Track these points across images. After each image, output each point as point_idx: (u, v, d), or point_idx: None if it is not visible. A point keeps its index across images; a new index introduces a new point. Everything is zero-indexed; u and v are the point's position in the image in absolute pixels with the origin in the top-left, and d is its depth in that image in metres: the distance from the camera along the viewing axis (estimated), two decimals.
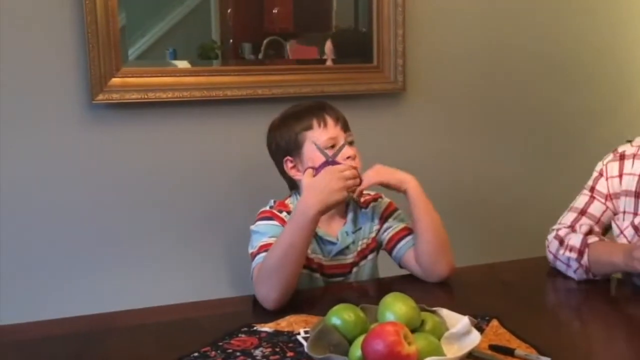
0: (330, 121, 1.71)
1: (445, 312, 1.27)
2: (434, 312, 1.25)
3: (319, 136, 1.69)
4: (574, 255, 1.65)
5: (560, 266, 1.70)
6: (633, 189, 1.69)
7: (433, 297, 1.61)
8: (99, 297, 2.07)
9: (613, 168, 1.74)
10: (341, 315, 1.19)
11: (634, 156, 1.72)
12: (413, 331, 1.15)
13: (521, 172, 2.58)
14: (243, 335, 1.35)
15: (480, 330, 1.31)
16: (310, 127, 1.70)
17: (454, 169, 2.49)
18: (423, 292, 1.63)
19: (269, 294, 1.51)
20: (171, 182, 2.17)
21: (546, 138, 2.61)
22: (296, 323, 1.39)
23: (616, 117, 2.64)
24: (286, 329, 1.37)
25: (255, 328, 1.38)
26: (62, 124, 2.04)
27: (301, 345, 1.27)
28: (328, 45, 2.26)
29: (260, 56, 2.21)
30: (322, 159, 1.66)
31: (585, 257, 1.63)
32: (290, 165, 1.73)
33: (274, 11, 2.22)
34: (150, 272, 2.17)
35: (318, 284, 1.72)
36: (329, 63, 2.28)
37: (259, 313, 1.49)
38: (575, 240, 1.66)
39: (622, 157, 1.74)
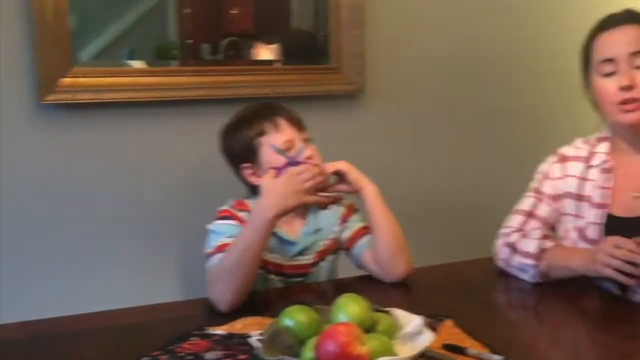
0: (283, 123, 1.69)
1: (399, 313, 1.26)
2: (387, 312, 1.25)
3: (274, 140, 1.67)
4: (530, 261, 1.64)
5: (514, 272, 1.70)
6: (574, 191, 1.70)
7: (390, 298, 1.61)
8: (49, 301, 2.02)
9: (556, 170, 1.74)
10: (294, 317, 1.18)
11: (576, 158, 1.73)
12: (367, 332, 1.14)
13: (483, 173, 2.59)
14: (195, 339, 1.32)
15: (434, 330, 1.29)
16: (263, 132, 1.68)
17: (414, 170, 2.49)
18: (380, 293, 1.63)
19: (223, 295, 1.49)
20: (125, 183, 2.14)
21: (509, 140, 2.61)
22: (250, 325, 1.37)
23: (580, 119, 2.66)
24: (240, 332, 1.35)
25: (207, 331, 1.36)
26: (9, 124, 1.99)
27: (254, 347, 1.26)
28: (276, 47, 2.25)
29: (219, 57, 2.19)
30: (282, 161, 1.65)
31: (543, 263, 1.63)
32: (248, 172, 1.71)
33: (233, 12, 2.21)
34: (103, 275, 2.12)
35: (274, 285, 1.71)
36: (277, 65, 2.26)
37: (213, 316, 1.47)
38: (531, 246, 1.65)
39: (564, 159, 1.74)
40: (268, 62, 2.26)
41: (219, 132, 1.76)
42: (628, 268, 1.46)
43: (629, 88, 1.57)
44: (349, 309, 1.18)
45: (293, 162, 1.63)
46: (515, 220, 1.75)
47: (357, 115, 2.38)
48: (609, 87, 1.60)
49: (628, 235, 1.59)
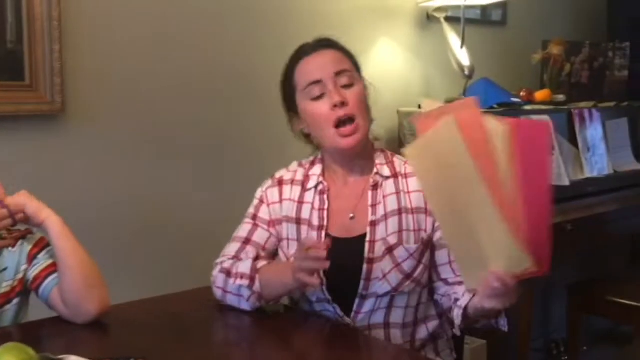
0: None
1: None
2: None
3: None
4: (245, 282, 1.58)
5: (232, 300, 1.62)
6: (293, 215, 1.67)
7: (82, 341, 1.46)
8: None
9: (273, 194, 1.70)
10: None
11: (292, 182, 1.70)
12: None
13: (194, 196, 2.44)
14: None
15: None
16: None
17: (121, 195, 2.29)
18: (71, 336, 1.48)
19: None
20: None
21: (220, 161, 2.51)
22: None
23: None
24: None
25: None
26: None
27: None
28: None
29: None
30: None
31: (257, 283, 1.57)
32: None
33: None
34: None
35: None
36: None
37: None
38: (244, 267, 1.60)
39: (281, 183, 1.71)
40: None
41: None
42: (318, 265, 1.43)
43: (342, 105, 1.57)
44: None
45: None
46: (231, 248, 1.69)
47: (56, 137, 2.14)
48: (322, 108, 1.59)
49: (347, 256, 1.59)
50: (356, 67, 1.67)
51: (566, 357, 3.11)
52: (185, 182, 2.43)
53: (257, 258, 1.63)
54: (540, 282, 3.02)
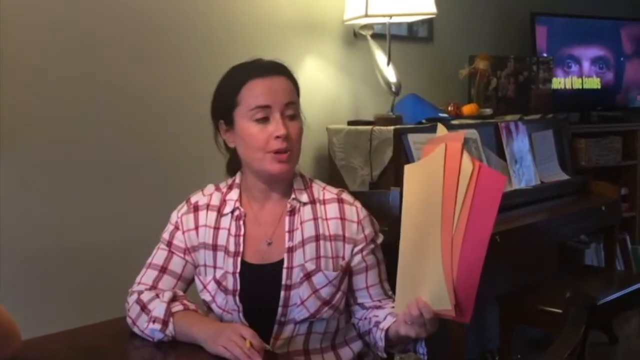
0: None
1: None
2: None
3: None
4: (157, 326, 1.54)
5: (139, 333, 1.58)
6: (210, 241, 1.64)
7: None
8: None
9: (189, 221, 1.66)
10: None
11: (208, 207, 1.66)
12: None
13: (128, 226, 2.40)
14: None
15: None
16: None
17: (52, 224, 2.25)
18: None
19: None
20: None
21: (155, 189, 2.48)
22: None
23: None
24: None
25: None
26: None
27: None
28: None
29: None
30: None
31: (171, 327, 1.54)
32: None
33: None
34: None
35: None
36: None
37: None
38: (158, 310, 1.55)
39: (196, 209, 1.67)
40: None
41: None
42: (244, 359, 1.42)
43: (285, 138, 1.56)
44: None
45: None
46: (148, 277, 1.65)
47: None
48: (262, 134, 1.57)
49: (263, 282, 1.59)
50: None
51: None
52: (104, 210, 2.38)
53: (174, 298, 1.59)
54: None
